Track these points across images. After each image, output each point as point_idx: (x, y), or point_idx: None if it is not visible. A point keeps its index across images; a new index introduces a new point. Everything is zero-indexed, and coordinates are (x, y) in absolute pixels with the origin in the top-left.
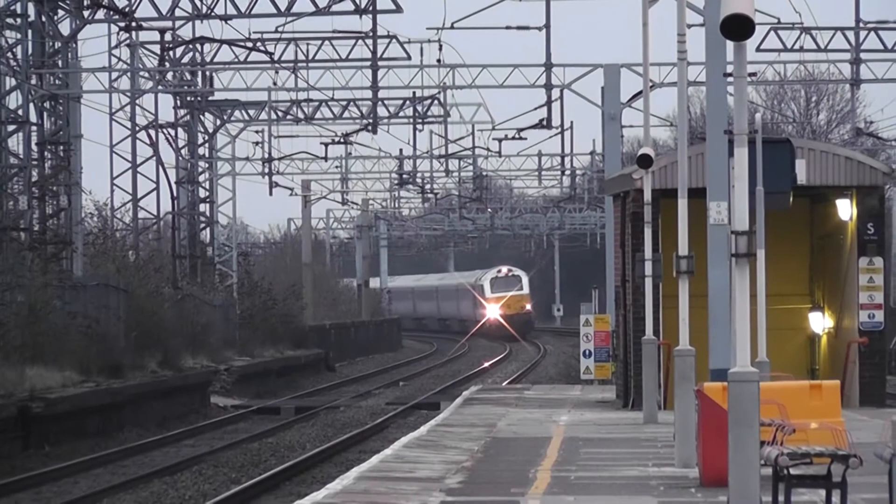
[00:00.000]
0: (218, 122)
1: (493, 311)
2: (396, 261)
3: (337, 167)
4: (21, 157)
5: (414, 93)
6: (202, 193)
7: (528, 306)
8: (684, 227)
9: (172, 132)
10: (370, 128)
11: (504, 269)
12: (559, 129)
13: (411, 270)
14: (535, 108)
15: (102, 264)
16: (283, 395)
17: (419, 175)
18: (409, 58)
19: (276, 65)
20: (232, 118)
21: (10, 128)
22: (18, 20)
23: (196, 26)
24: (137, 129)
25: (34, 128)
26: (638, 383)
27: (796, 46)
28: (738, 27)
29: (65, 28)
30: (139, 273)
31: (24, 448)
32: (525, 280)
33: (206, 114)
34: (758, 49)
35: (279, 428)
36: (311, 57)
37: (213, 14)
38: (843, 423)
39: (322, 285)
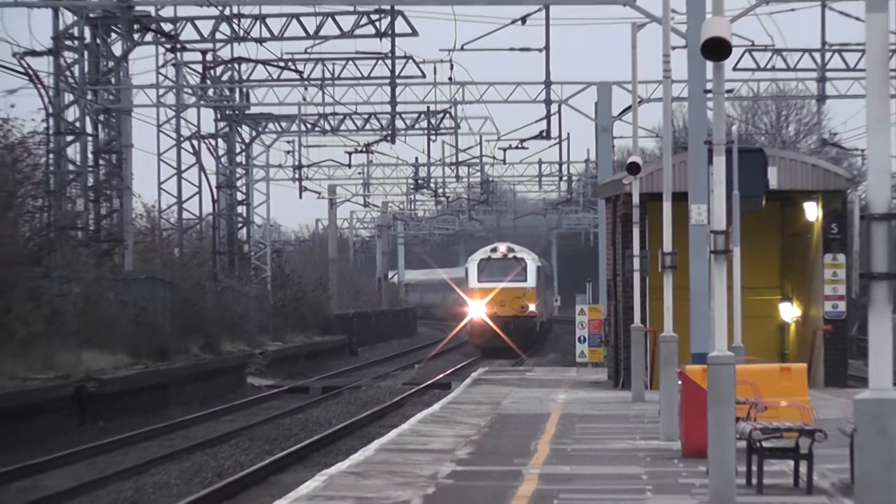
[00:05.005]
0: (253, 133)
1: (477, 310)
2: (415, 257)
3: (359, 173)
4: (78, 164)
5: (428, 107)
6: (239, 197)
7: (533, 306)
8: (669, 227)
9: (213, 142)
10: (389, 138)
11: (501, 248)
12: (557, 140)
13: (439, 264)
14: (536, 121)
15: (150, 260)
16: (311, 377)
17: (433, 180)
18: (424, 76)
19: (306, 82)
20: (266, 130)
21: (69, 138)
22: (76, 42)
23: (234, 48)
24: (182, 139)
25: (90, 138)
26: (627, 366)
27: (768, 66)
28: (716, 49)
29: (117, 49)
30: (183, 267)
31: (80, 423)
32: (532, 267)
33: (243, 126)
34: (734, 68)
35: (308, 405)
36: (336, 75)
37: (249, 37)
38: (810, 401)
39: (346, 278)
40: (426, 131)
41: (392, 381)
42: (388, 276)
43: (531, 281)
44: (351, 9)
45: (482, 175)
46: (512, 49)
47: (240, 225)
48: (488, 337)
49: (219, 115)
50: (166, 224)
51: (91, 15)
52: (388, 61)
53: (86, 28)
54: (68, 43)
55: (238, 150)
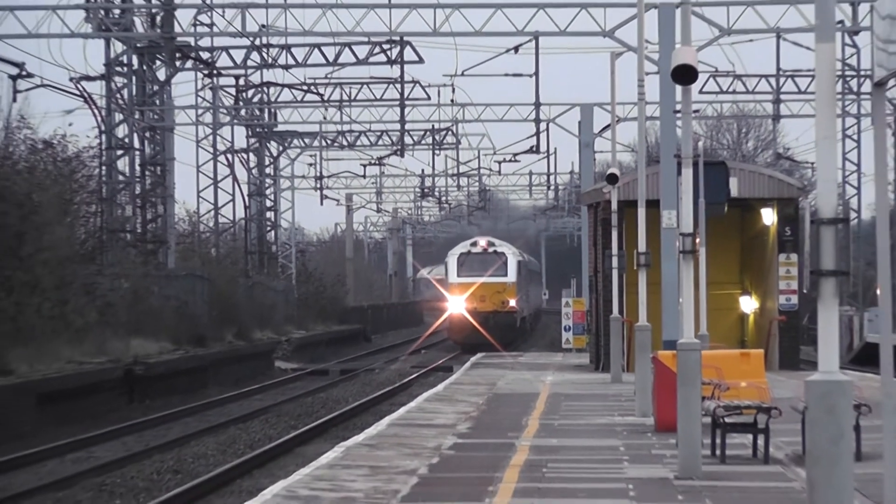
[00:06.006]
0: (280, 148)
1: (457, 306)
2: (424, 256)
3: (373, 183)
4: (127, 175)
5: (433, 125)
6: (268, 203)
7: (513, 301)
8: (643, 230)
9: (245, 156)
10: (399, 152)
11: (481, 242)
12: (545, 154)
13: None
14: (527, 138)
15: (190, 258)
16: (331, 361)
17: (437, 189)
18: (429, 98)
19: (326, 103)
20: (291, 145)
21: (119, 152)
22: (125, 68)
23: (263, 73)
24: (217, 153)
25: (137, 152)
26: (607, 351)
27: (730, 89)
28: (684, 75)
29: (161, 75)
30: (219, 265)
31: (129, 402)
32: (513, 261)
33: (271, 142)
34: (700, 91)
35: (327, 386)
36: (352, 97)
37: (276, 64)
38: (767, 382)
39: (361, 275)
40: (431, 146)
41: (401, 365)
42: (416, 273)
43: (511, 276)
44: (365, 39)
45: (480, 184)
46: (506, 74)
47: (268, 228)
48: (467, 333)
49: (250, 133)
50: (204, 227)
51: (138, 45)
52: (398, 85)
53: (134, 56)
54: (118, 69)
55: (267, 162)
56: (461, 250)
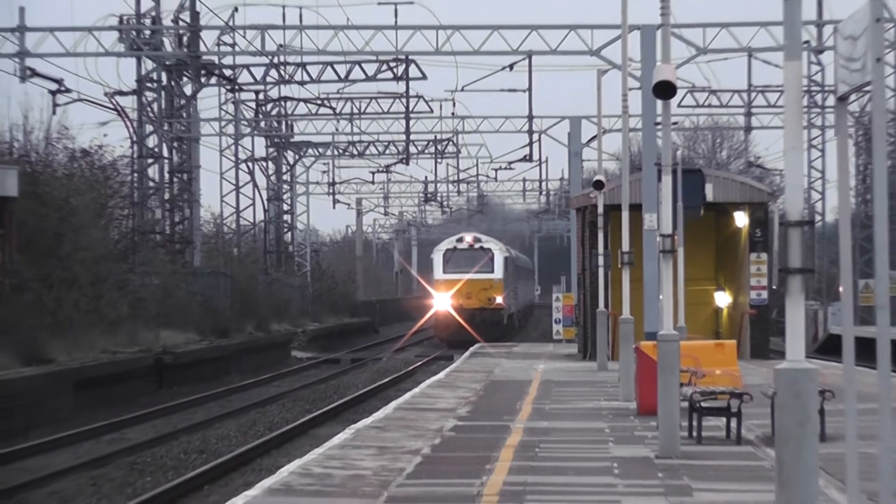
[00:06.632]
0: (296, 157)
1: (442, 303)
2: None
3: (380, 189)
4: (156, 181)
5: (435, 136)
6: (285, 207)
7: (500, 298)
8: (626, 232)
9: (264, 164)
10: (404, 161)
11: (468, 238)
12: (538, 162)
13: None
14: (521, 147)
15: (214, 257)
16: (342, 350)
17: (439, 194)
18: (432, 111)
19: (338, 116)
20: (306, 154)
21: (149, 161)
22: (155, 84)
23: (281, 89)
24: (239, 162)
25: (166, 161)
26: (593, 342)
27: (705, 103)
28: (664, 90)
29: (187, 90)
30: (240, 264)
31: (159, 387)
32: (500, 258)
33: (288, 151)
34: (679, 105)
35: (339, 373)
36: (362, 110)
37: (293, 80)
38: (739, 370)
39: (370, 272)
40: (433, 155)
41: (406, 354)
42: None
43: (498, 272)
44: (374, 58)
45: (478, 190)
46: (502, 90)
47: (285, 230)
48: (453, 330)
49: (269, 143)
50: (227, 229)
51: (167, 62)
52: (403, 99)
53: (163, 73)
54: (149, 85)
55: (284, 170)
56: (447, 246)
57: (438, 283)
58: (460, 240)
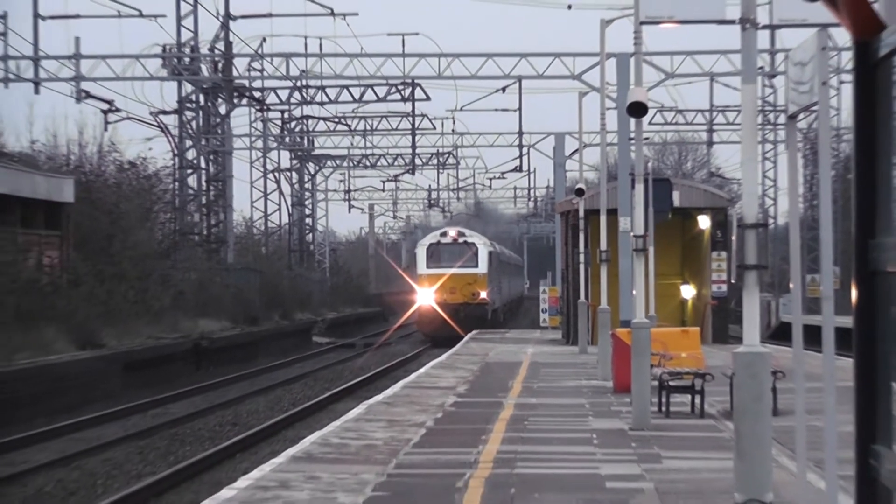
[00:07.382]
0: (317, 168)
1: (425, 298)
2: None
3: (390, 195)
4: (195, 189)
5: (437, 149)
6: (307, 212)
7: (484, 293)
8: (604, 233)
9: (289, 174)
10: (410, 171)
11: (451, 232)
12: (527, 173)
13: None
14: (512, 160)
15: (245, 255)
16: (356, 336)
17: (441, 200)
18: (435, 128)
19: (353, 132)
20: (325, 165)
21: (189, 171)
22: (193, 104)
23: (303, 109)
24: (267, 172)
25: (203, 171)
26: (575, 329)
27: (673, 121)
28: (637, 110)
29: (222, 109)
30: (268, 261)
31: (197, 369)
32: (484, 252)
33: (310, 163)
34: (650, 123)
35: (354, 356)
36: (374, 127)
37: (314, 101)
38: (702, 353)
39: (381, 269)
40: (436, 166)
41: (412, 339)
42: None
43: (482, 267)
44: (384, 82)
45: (475, 197)
46: (496, 109)
47: (307, 231)
48: (437, 325)
49: (293, 155)
50: (256, 231)
51: (204, 86)
52: (410, 118)
53: (200, 95)
54: (188, 105)
55: (306, 179)
56: (430, 240)
57: (422, 279)
58: (444, 234)
